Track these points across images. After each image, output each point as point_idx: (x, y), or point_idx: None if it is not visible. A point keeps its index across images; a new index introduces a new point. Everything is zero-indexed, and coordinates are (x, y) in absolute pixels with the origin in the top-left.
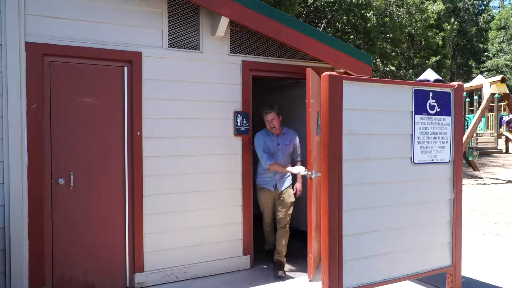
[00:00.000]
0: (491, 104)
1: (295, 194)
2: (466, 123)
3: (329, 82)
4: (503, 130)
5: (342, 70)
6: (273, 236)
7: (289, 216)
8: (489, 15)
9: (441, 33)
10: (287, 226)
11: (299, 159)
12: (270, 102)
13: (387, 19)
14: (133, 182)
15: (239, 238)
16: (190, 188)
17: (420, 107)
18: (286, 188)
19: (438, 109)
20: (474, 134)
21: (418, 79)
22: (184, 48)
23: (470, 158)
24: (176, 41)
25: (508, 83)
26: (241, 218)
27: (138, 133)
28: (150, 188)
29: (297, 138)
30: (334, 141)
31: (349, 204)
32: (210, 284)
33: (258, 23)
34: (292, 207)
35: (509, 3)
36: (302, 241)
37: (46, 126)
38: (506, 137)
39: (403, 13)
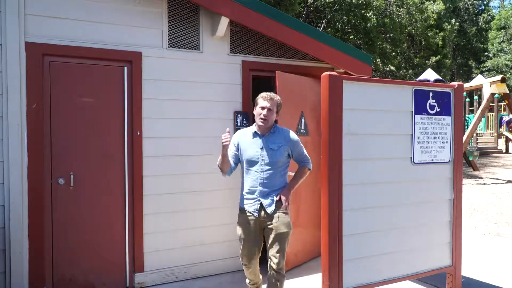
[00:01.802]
0: (491, 104)
1: (280, 204)
2: (466, 123)
3: (329, 82)
4: (503, 130)
5: (342, 70)
6: (254, 274)
7: (284, 254)
8: (489, 15)
9: (441, 33)
10: (283, 269)
11: (302, 164)
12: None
13: (387, 19)
14: (133, 182)
15: None
16: (190, 188)
17: (420, 107)
18: (278, 210)
19: (438, 109)
20: (474, 134)
21: (418, 79)
22: (184, 48)
23: (470, 158)
24: (176, 41)
25: (508, 83)
26: None
27: (138, 133)
28: (150, 188)
29: (295, 139)
30: (334, 141)
31: (349, 204)
32: (210, 284)
33: (258, 23)
34: (288, 240)
35: (509, 3)
36: None
37: (46, 126)
38: (506, 137)
39: (403, 13)
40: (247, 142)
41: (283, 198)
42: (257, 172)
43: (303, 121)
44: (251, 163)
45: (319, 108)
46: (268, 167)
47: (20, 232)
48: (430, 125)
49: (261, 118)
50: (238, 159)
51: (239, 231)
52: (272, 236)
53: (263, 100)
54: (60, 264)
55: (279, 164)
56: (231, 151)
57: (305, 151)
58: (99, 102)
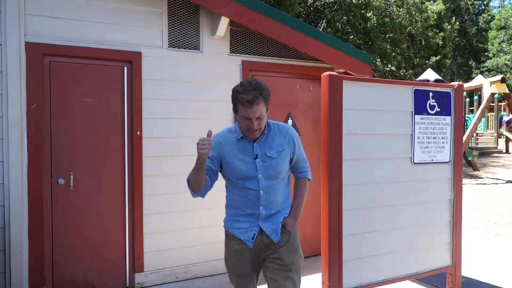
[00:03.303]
0: (491, 104)
1: (287, 230)
2: (466, 123)
3: (329, 82)
4: (503, 130)
5: (342, 70)
6: None
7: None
8: (489, 15)
9: (441, 33)
10: None
11: (301, 175)
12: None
13: (387, 19)
14: (133, 182)
15: None
16: None
17: (420, 107)
18: (284, 235)
19: (438, 109)
20: (474, 134)
21: (418, 79)
22: (184, 48)
23: (469, 158)
24: (176, 41)
25: (508, 83)
26: None
27: (138, 133)
28: (150, 188)
29: (297, 137)
30: (334, 141)
31: (349, 204)
32: (210, 284)
33: (258, 23)
34: (300, 276)
35: (509, 3)
36: None
37: (46, 126)
38: (506, 137)
39: (403, 13)
40: (233, 151)
41: (290, 229)
42: (256, 190)
43: (290, 121)
44: (244, 178)
45: (315, 107)
46: (269, 182)
47: (20, 232)
48: (430, 125)
49: (251, 131)
50: (215, 175)
51: (230, 265)
52: (280, 271)
53: (244, 108)
54: (60, 264)
55: (281, 175)
56: (214, 160)
57: (304, 153)
58: (99, 102)
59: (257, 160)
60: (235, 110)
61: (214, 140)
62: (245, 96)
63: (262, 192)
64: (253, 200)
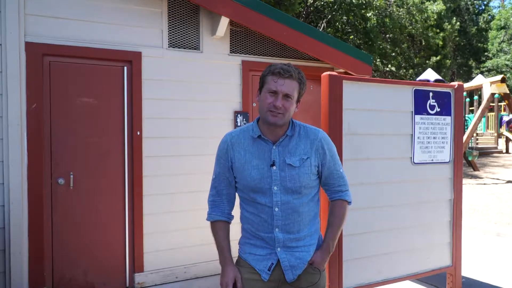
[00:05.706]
0: (491, 104)
1: (315, 268)
2: (466, 123)
3: (329, 82)
4: (503, 130)
5: (342, 70)
6: None
7: None
8: (489, 15)
9: (441, 33)
10: None
11: (337, 196)
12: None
13: (387, 19)
14: (133, 182)
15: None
16: (190, 188)
17: (420, 107)
18: (312, 276)
19: (438, 109)
20: (474, 134)
21: (418, 79)
22: (184, 48)
23: (469, 158)
24: (176, 41)
25: (508, 83)
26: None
27: (138, 133)
28: (150, 188)
29: (330, 145)
30: (334, 141)
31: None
32: (210, 284)
33: (258, 23)
34: None
35: (509, 3)
36: None
37: (46, 126)
38: (506, 137)
39: (403, 13)
40: (245, 155)
41: (319, 267)
42: (269, 206)
43: None
44: (256, 190)
45: (316, 107)
46: (287, 197)
47: (20, 232)
48: (430, 125)
49: (272, 111)
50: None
51: None
52: None
53: (274, 78)
54: (60, 264)
55: (305, 191)
56: (225, 176)
57: (342, 168)
58: (99, 102)
59: (274, 167)
60: (261, 87)
61: (222, 141)
62: (279, 65)
63: (276, 209)
64: (266, 219)
